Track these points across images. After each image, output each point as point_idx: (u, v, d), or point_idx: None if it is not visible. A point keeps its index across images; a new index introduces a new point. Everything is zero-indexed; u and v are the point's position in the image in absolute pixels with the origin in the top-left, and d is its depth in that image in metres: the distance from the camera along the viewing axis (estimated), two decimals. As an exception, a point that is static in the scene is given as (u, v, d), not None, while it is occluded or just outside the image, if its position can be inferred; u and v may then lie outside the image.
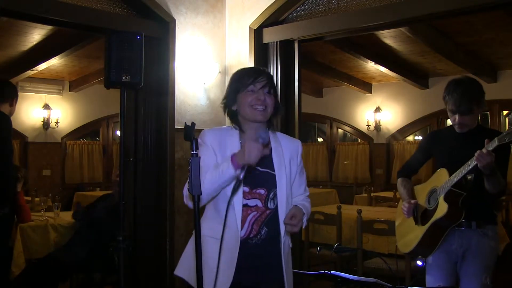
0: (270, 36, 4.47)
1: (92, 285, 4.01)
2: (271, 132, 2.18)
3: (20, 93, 8.47)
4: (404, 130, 9.34)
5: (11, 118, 3.76)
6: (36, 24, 5.68)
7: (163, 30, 4.30)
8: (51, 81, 8.93)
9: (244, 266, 2.04)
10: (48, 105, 8.99)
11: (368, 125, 9.61)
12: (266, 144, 1.98)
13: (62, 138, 9.31)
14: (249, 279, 2.08)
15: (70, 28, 4.57)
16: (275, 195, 2.11)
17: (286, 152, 2.18)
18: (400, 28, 6.02)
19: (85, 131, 9.71)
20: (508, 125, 8.23)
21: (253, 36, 4.52)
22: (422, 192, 2.88)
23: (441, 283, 2.68)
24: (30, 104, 8.77)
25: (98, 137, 9.95)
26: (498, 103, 8.08)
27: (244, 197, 2.06)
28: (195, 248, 1.87)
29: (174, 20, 4.35)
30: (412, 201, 2.84)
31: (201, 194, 1.82)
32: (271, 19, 4.46)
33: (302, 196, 2.26)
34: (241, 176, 1.95)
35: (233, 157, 1.95)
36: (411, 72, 8.49)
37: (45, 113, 8.96)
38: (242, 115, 2.15)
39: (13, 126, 3.82)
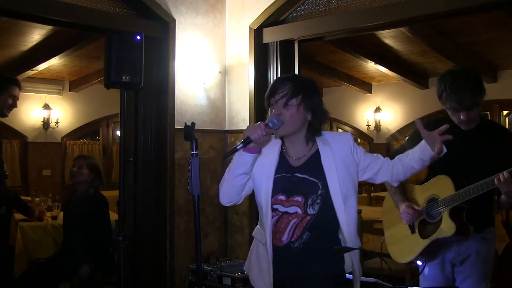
0: (270, 36, 4.47)
1: (92, 285, 4.00)
2: (317, 137, 2.12)
3: (20, 93, 8.59)
4: (404, 130, 9.33)
5: (10, 114, 3.45)
6: (36, 24, 5.67)
7: (163, 30, 4.29)
8: (51, 81, 8.92)
9: (286, 270, 2.08)
10: (48, 105, 8.97)
11: (368, 125, 9.61)
12: (272, 128, 1.97)
13: (62, 138, 9.30)
14: (291, 282, 2.10)
15: (70, 28, 4.58)
16: (313, 201, 2.04)
17: (337, 152, 2.08)
18: (400, 28, 6.02)
19: (85, 131, 9.70)
20: (508, 125, 8.22)
21: (253, 36, 4.52)
22: (418, 195, 2.64)
23: None
24: (30, 104, 8.74)
25: (98, 137, 9.95)
26: (498, 103, 8.07)
27: (282, 205, 2.07)
28: (195, 245, 1.92)
29: (174, 20, 4.34)
30: (417, 208, 2.54)
31: (200, 194, 1.84)
32: (271, 19, 4.46)
33: (388, 161, 2.17)
34: (239, 145, 1.94)
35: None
36: (411, 72, 8.48)
37: (45, 113, 8.95)
38: None
39: (13, 126, 3.71)
